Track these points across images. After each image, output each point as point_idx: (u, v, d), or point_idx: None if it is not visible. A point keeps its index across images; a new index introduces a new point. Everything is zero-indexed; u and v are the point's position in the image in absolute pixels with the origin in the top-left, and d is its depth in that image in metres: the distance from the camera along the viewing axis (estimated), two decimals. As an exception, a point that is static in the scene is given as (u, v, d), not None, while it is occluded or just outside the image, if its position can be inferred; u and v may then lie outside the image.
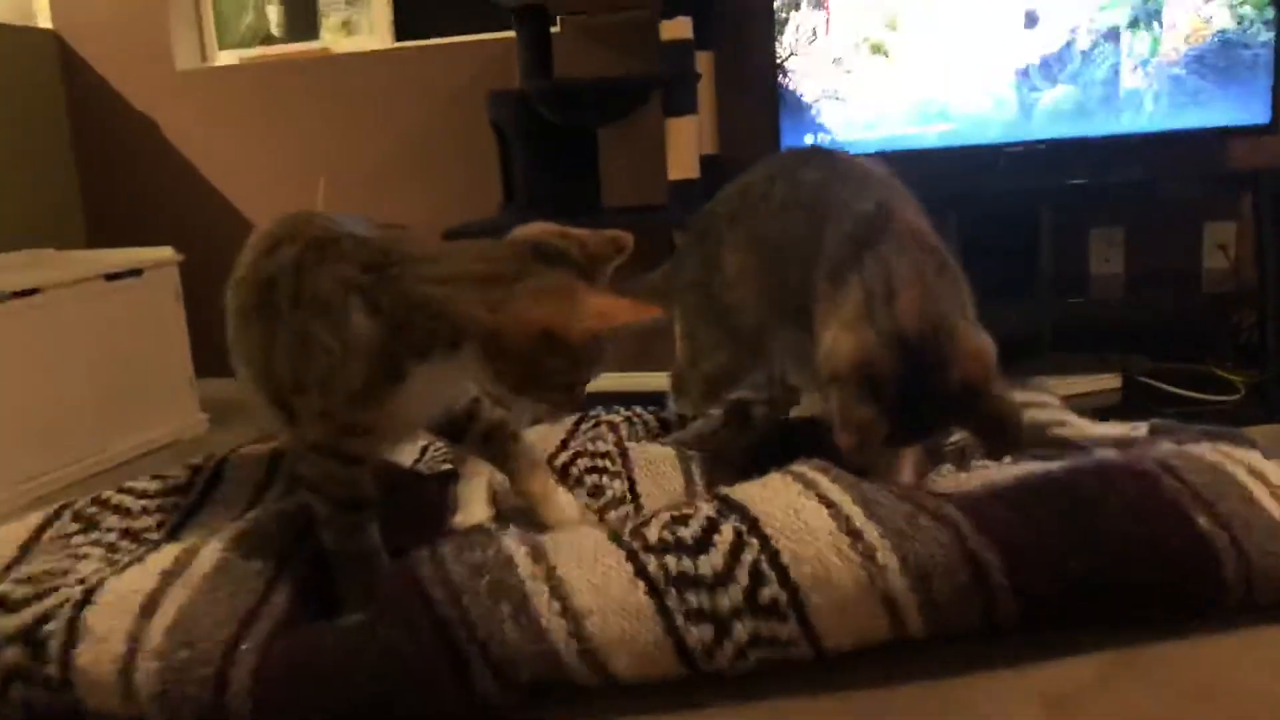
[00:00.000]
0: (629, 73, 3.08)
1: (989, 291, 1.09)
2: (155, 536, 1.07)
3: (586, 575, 0.85)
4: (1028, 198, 2.76)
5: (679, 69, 2.80)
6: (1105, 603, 0.86)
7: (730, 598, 0.83)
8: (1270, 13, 2.50)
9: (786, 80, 2.83)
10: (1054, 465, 0.98)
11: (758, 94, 2.97)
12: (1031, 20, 2.66)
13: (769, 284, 1.20)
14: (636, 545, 0.88)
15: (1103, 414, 1.33)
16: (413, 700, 0.81)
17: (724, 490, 0.94)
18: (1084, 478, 0.91)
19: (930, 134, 2.76)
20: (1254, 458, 0.98)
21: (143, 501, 1.13)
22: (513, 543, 0.91)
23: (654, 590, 0.84)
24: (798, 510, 0.88)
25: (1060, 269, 2.98)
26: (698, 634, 0.82)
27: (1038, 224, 2.92)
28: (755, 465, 1.07)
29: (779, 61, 2.81)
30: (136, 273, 3.10)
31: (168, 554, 0.93)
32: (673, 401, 1.42)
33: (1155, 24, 2.58)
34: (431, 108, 3.41)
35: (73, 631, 0.85)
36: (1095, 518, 0.87)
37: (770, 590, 0.83)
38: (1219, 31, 2.54)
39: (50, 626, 0.85)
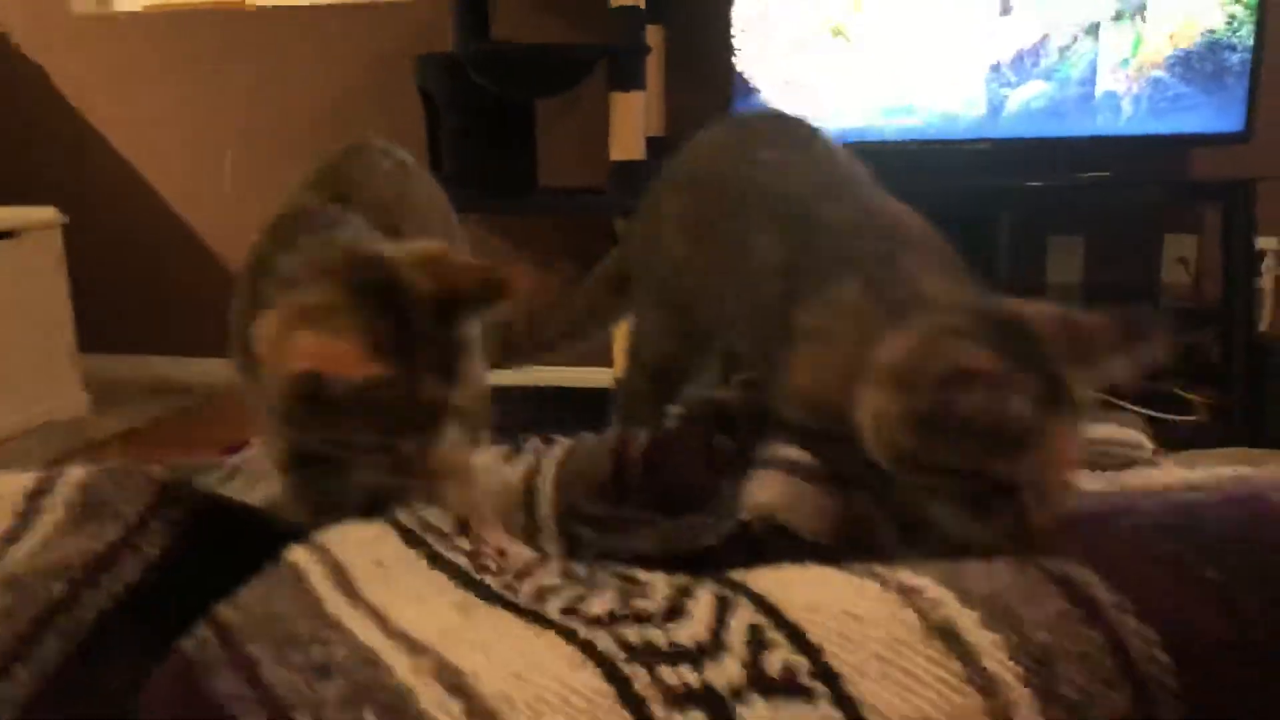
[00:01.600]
0: (574, 42, 2.74)
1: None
2: None
3: (502, 661, 0.52)
4: (990, 200, 2.49)
5: (628, 40, 2.47)
6: None
7: (725, 672, 0.51)
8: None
9: (737, 61, 2.52)
10: (1202, 504, 0.65)
11: (710, 74, 2.65)
12: (1006, 8, 2.39)
13: (718, 285, 0.92)
14: (574, 622, 0.55)
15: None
16: None
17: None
18: (1259, 527, 0.58)
19: (891, 127, 2.47)
20: None
21: None
22: (376, 634, 0.56)
23: (611, 670, 0.51)
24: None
25: (1017, 276, 2.73)
26: None
27: (997, 228, 2.66)
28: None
29: (733, 40, 2.51)
30: (13, 234, 2.70)
31: None
32: (615, 413, 1.11)
33: (1140, 18, 2.34)
34: (355, 71, 3.02)
35: None
36: None
37: (780, 656, 0.51)
38: (1206, 31, 2.30)
39: None
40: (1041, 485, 0.67)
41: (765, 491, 0.77)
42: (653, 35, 2.57)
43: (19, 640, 0.60)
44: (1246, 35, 2.28)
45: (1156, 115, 2.37)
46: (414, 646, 0.54)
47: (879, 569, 0.58)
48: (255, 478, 0.96)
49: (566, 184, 2.76)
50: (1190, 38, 2.32)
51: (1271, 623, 0.53)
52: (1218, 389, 2.49)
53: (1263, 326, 2.60)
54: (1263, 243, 2.54)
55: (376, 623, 0.57)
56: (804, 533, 0.75)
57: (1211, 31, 2.30)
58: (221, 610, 0.60)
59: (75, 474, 0.76)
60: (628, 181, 2.48)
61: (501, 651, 0.53)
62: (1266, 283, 2.62)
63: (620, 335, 2.52)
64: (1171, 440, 2.25)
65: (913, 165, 2.49)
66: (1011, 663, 0.51)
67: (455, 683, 0.50)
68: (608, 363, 2.60)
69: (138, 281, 3.22)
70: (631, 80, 2.46)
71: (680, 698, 0.50)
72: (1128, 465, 0.91)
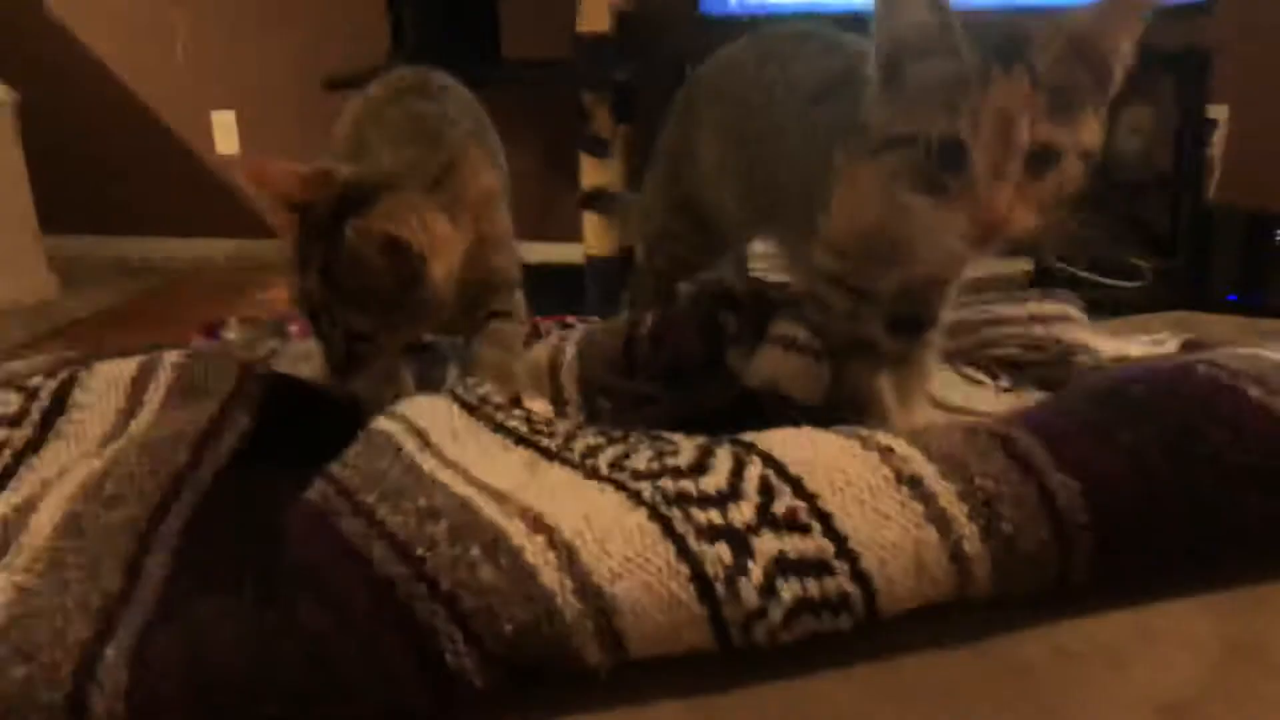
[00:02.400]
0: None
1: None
2: None
3: (570, 506, 0.65)
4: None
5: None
6: (1194, 549, 0.68)
7: (742, 513, 0.65)
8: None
9: (704, -71, 2.52)
10: (1129, 379, 0.77)
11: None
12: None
13: (749, 186, 0.98)
14: (623, 476, 0.68)
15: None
16: (357, 697, 0.58)
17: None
18: (1183, 401, 0.71)
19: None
20: None
21: None
22: (463, 485, 0.68)
23: (655, 513, 0.64)
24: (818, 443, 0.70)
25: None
26: (714, 553, 0.62)
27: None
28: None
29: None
30: (-36, 112, 2.68)
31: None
32: (627, 303, 1.19)
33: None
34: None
35: None
36: (1196, 446, 0.68)
37: (784, 501, 0.65)
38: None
39: None
40: (988, 147, 0.69)
41: (768, 365, 0.89)
42: (617, -100, 2.56)
43: (164, 493, 0.72)
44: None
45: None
46: (498, 495, 0.67)
47: (862, 432, 0.71)
48: (295, 359, 1.05)
49: (530, 55, 2.77)
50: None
51: (1170, 476, 0.67)
52: (1165, 255, 2.62)
53: (1210, 194, 2.72)
54: (1214, 111, 2.64)
55: (462, 477, 0.70)
56: (799, 399, 0.86)
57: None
58: (334, 468, 0.72)
59: (170, 358, 0.86)
60: (595, 55, 2.51)
61: (567, 499, 0.66)
62: (1216, 151, 2.73)
63: (591, 216, 2.58)
64: (1120, 304, 2.40)
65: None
66: (962, 504, 0.65)
67: (537, 522, 0.63)
68: (577, 239, 2.67)
69: (95, 160, 3.20)
70: (597, -51, 2.46)
71: (709, 532, 0.63)
72: (1061, 345, 1.01)
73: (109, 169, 3.21)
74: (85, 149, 3.19)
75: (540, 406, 0.82)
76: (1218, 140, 2.74)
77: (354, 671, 0.58)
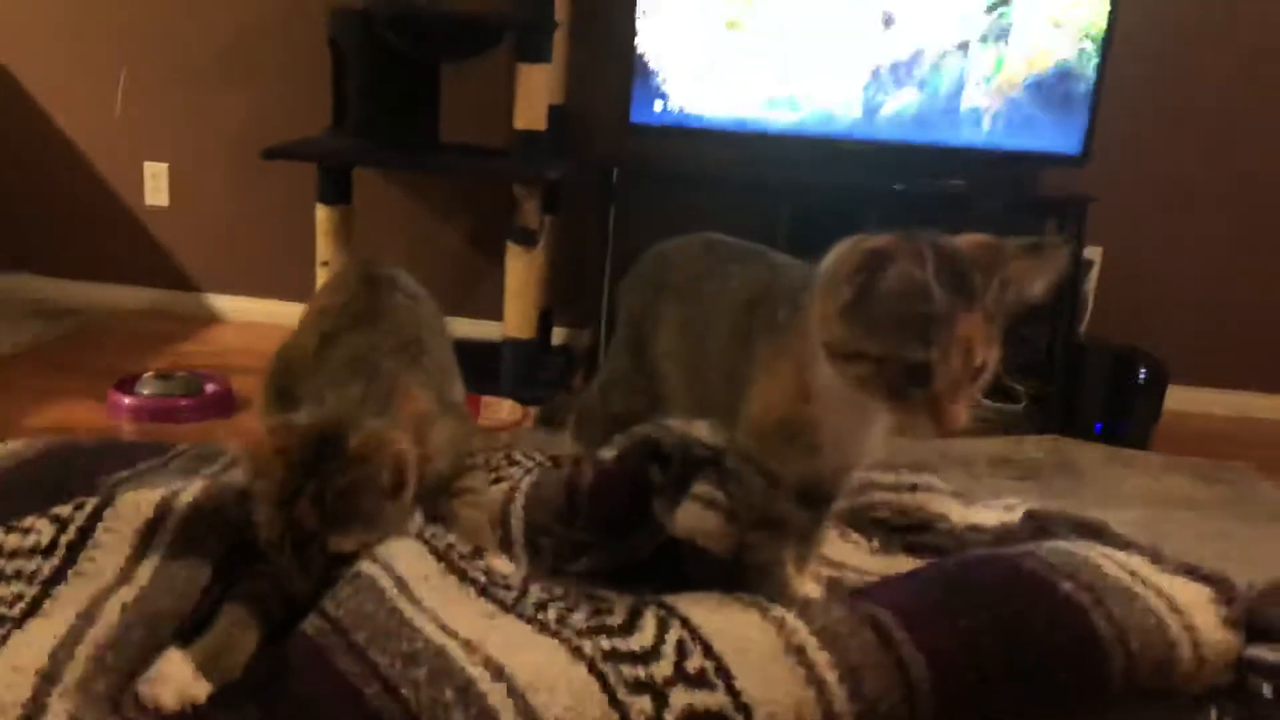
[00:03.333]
0: (485, 9, 2.83)
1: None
2: (14, 613, 0.86)
3: (525, 658, 0.80)
4: (858, 197, 2.72)
5: (538, 13, 2.59)
6: (1016, 712, 0.85)
7: (661, 669, 0.81)
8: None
9: (638, 42, 2.67)
10: (975, 566, 0.93)
11: (612, 52, 2.80)
12: (889, 21, 2.61)
13: (692, 377, 1.13)
14: (568, 632, 0.84)
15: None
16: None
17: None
18: (1011, 593, 0.90)
19: (776, 122, 2.68)
20: (1133, 561, 0.97)
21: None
22: (437, 633, 0.82)
23: (593, 667, 0.80)
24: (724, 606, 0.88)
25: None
26: (639, 705, 0.78)
27: (862, 225, 2.90)
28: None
29: (636, 20, 2.65)
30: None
31: (38, 646, 0.78)
32: (570, 440, 1.30)
33: (1004, 42, 2.60)
34: (261, 8, 3.03)
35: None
36: (1020, 631, 0.86)
37: (696, 661, 0.81)
38: (1060, 60, 2.58)
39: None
40: (952, 370, 0.82)
41: (689, 519, 1.02)
42: (560, 6, 2.69)
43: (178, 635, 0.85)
44: (1094, 68, 2.56)
45: (1010, 133, 2.65)
46: (467, 644, 0.80)
47: (761, 603, 0.88)
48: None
49: (466, 140, 2.87)
50: (1045, 65, 2.59)
51: (998, 655, 0.84)
52: (1041, 380, 2.82)
53: (1083, 329, 2.94)
54: (1089, 252, 2.87)
55: (435, 623, 0.83)
56: (714, 552, 1.00)
57: (1064, 61, 2.58)
58: (328, 605, 0.84)
59: (180, 510, 0.97)
60: (529, 150, 2.63)
61: (522, 651, 0.80)
62: (1090, 288, 2.96)
63: (513, 293, 2.68)
64: (998, 424, 2.58)
65: (790, 157, 2.71)
66: (834, 671, 0.81)
67: (498, 671, 0.77)
68: (498, 317, 2.76)
69: (20, 199, 3.18)
70: (538, 53, 2.60)
71: (635, 686, 0.78)
72: (925, 513, 1.15)
73: (33, 208, 3.20)
74: (10, 187, 3.17)
75: (499, 564, 0.94)
76: (1092, 279, 2.97)
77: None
